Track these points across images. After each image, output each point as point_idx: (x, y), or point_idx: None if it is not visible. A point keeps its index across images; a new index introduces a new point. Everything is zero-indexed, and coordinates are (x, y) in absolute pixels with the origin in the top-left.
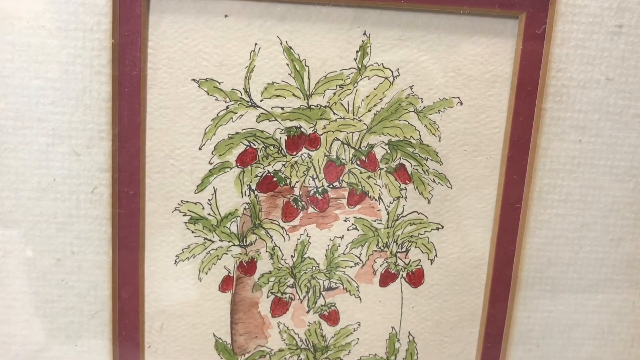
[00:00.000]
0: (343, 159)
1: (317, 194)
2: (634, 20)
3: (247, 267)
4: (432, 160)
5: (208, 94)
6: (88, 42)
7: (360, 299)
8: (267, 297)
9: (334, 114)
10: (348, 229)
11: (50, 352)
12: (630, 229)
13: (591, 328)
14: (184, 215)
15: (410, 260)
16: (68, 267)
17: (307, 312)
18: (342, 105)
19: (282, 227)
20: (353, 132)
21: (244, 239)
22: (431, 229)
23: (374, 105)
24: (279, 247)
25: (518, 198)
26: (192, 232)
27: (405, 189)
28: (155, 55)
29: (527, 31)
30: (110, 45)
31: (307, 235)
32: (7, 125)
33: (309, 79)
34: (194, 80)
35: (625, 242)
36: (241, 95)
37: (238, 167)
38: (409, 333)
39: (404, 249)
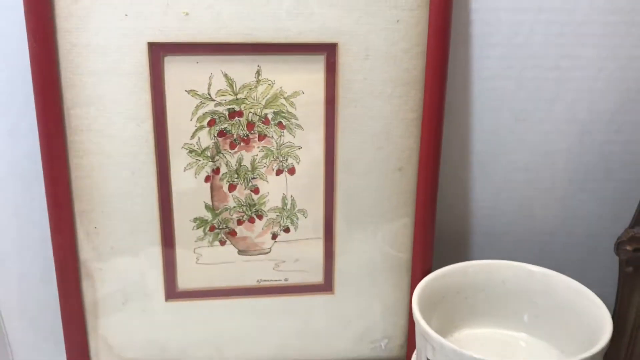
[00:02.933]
0: (254, 120)
1: (244, 137)
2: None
3: (215, 171)
4: (294, 118)
5: (191, 97)
6: None
7: (268, 182)
8: (226, 183)
9: (248, 101)
10: (260, 151)
11: None
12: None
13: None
14: (187, 152)
15: (288, 163)
16: None
17: (244, 189)
18: (251, 97)
19: (230, 152)
20: (257, 109)
21: (214, 158)
22: (296, 149)
23: (266, 96)
24: (229, 161)
25: (332, 134)
26: (191, 157)
27: (283, 133)
28: None
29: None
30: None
31: (241, 156)
32: None
33: (235, 87)
34: (186, 91)
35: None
36: (207, 97)
37: (209, 127)
38: (291, 195)
39: (285, 158)
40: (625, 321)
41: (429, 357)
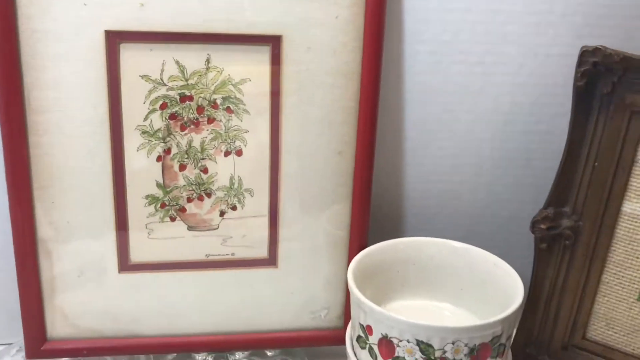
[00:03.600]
0: (204, 105)
1: (194, 120)
2: None
3: (167, 151)
4: (241, 104)
5: (144, 82)
6: None
7: (216, 163)
8: (177, 163)
9: (198, 87)
10: (209, 133)
11: None
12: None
13: None
14: (140, 133)
15: (236, 145)
16: None
17: (194, 169)
18: (201, 83)
19: (180, 133)
20: (206, 94)
21: (165, 139)
22: (244, 132)
23: (215, 82)
24: (180, 142)
25: (277, 119)
26: (144, 138)
27: (231, 117)
28: None
29: None
30: None
31: (191, 137)
32: None
33: (186, 74)
34: (140, 76)
35: None
36: (159, 82)
37: (161, 110)
38: (238, 176)
39: (233, 141)
40: (540, 293)
41: (361, 322)
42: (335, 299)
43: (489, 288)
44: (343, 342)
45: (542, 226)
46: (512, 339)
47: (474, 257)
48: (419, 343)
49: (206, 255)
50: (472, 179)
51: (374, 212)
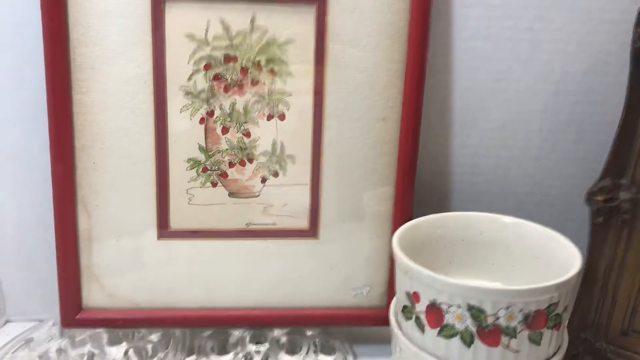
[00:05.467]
0: (247, 66)
1: (237, 82)
2: None
3: (210, 113)
4: (285, 66)
5: (189, 41)
6: None
7: (259, 127)
8: (219, 126)
9: (242, 47)
10: (252, 97)
11: None
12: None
13: None
14: (184, 93)
15: (279, 109)
16: None
17: (237, 132)
18: (246, 43)
19: (224, 95)
20: (250, 55)
21: (208, 101)
22: (287, 96)
23: (259, 43)
24: (223, 104)
25: (320, 82)
26: (187, 98)
27: (275, 80)
28: None
29: None
30: None
31: (234, 100)
32: None
33: (231, 33)
34: (184, 36)
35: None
36: (204, 41)
37: (205, 70)
38: (281, 141)
39: (276, 104)
40: (596, 272)
41: (407, 290)
42: (378, 276)
43: (542, 262)
44: (386, 322)
45: (599, 198)
46: (569, 313)
47: (525, 232)
48: (470, 308)
49: (247, 224)
50: (521, 153)
51: (418, 185)
